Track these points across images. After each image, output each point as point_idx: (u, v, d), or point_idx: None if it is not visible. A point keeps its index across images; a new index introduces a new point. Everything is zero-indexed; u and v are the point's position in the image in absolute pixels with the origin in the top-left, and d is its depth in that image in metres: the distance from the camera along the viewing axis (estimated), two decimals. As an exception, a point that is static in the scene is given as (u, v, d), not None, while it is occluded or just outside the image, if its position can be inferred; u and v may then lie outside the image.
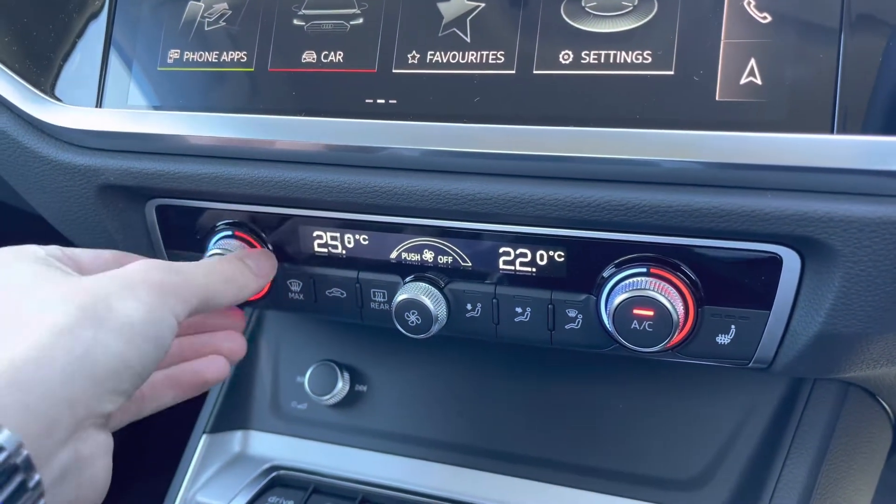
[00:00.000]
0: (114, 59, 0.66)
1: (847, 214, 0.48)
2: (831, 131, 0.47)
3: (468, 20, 0.56)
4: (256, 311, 0.89)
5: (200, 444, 0.84)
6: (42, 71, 0.67)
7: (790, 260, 0.53)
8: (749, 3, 0.50)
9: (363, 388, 0.84)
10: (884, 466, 0.86)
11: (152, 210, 0.70)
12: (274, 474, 0.83)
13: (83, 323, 0.46)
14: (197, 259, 0.70)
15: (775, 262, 0.53)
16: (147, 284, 0.50)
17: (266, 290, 0.68)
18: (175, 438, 2.08)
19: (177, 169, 0.64)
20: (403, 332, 0.62)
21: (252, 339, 0.88)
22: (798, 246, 0.52)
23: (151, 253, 0.73)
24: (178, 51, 0.64)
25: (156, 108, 0.64)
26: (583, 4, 0.53)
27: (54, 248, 0.56)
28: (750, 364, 0.58)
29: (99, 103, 0.66)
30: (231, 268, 0.59)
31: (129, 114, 0.65)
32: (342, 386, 0.83)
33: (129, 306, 0.48)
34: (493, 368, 0.81)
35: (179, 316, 0.52)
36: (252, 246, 0.67)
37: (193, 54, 0.64)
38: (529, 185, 0.55)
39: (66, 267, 0.53)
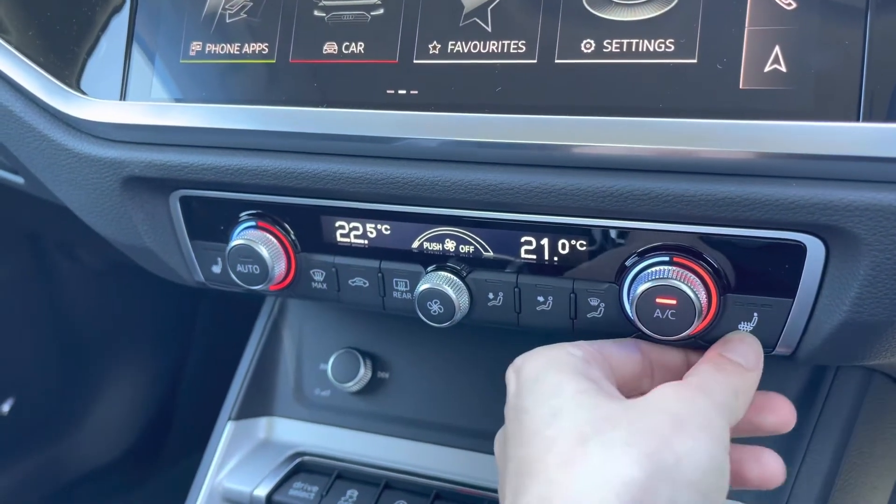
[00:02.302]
0: (136, 53, 0.67)
1: (873, 202, 0.47)
2: (857, 119, 0.47)
3: (489, 9, 0.56)
4: (279, 299, 0.91)
5: (226, 431, 0.86)
6: (66, 65, 0.68)
7: (814, 248, 0.53)
8: (774, -11, 0.50)
9: (385, 375, 0.85)
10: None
11: (176, 201, 0.71)
12: (298, 460, 0.85)
13: (657, 476, 0.41)
14: (220, 249, 0.71)
15: (799, 251, 0.53)
16: (697, 424, 0.45)
17: (290, 279, 0.69)
18: (197, 425, 2.12)
19: (200, 161, 0.65)
20: (426, 321, 0.63)
21: (275, 328, 0.90)
22: (822, 234, 0.52)
23: (175, 243, 0.73)
24: (200, 43, 0.65)
25: (179, 100, 0.65)
26: (605, -8, 0.53)
27: (588, 348, 0.52)
28: (773, 352, 0.58)
29: (123, 96, 0.67)
30: (731, 380, 0.51)
31: (152, 106, 0.66)
32: (364, 373, 0.84)
33: (693, 455, 0.43)
34: (513, 356, 0.81)
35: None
36: (275, 236, 0.67)
37: (215, 46, 0.64)
38: (552, 174, 0.55)
39: (605, 379, 0.50)
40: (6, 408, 1.86)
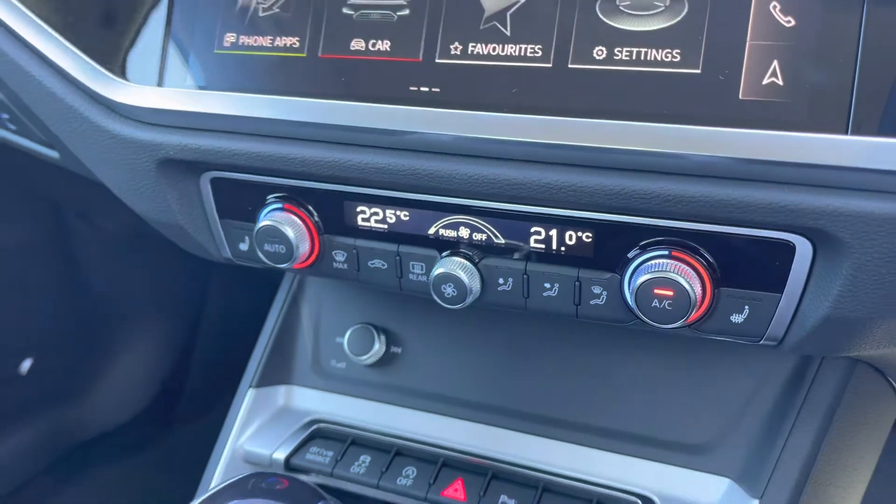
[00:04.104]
0: (173, 42, 0.71)
1: (857, 209, 0.52)
2: (846, 132, 0.51)
3: (508, 14, 0.60)
4: (298, 275, 0.95)
5: (247, 398, 0.91)
6: (107, 51, 0.72)
7: (803, 248, 0.57)
8: (775, 7, 0.53)
9: (398, 349, 0.90)
10: (890, 436, 0.91)
11: (207, 182, 0.75)
12: (315, 427, 0.90)
13: None
14: (247, 228, 0.75)
15: (789, 250, 0.57)
16: None
17: (313, 258, 0.73)
18: (209, 390, 2.17)
19: (232, 146, 0.69)
20: (440, 302, 0.67)
21: (295, 302, 0.94)
22: (811, 235, 0.56)
23: (205, 221, 0.78)
24: (234, 35, 0.68)
25: (213, 88, 0.69)
26: (617, 3, 0.57)
27: None
28: (761, 341, 0.62)
29: (160, 82, 0.71)
30: None
31: (188, 93, 0.70)
32: (379, 347, 0.89)
33: None
34: (520, 336, 0.86)
35: None
36: (301, 219, 0.72)
37: (248, 38, 0.68)
38: (562, 172, 0.59)
39: None
40: (25, 368, 1.92)
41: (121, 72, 0.72)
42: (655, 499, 0.77)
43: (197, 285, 2.13)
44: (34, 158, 1.08)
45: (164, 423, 2.13)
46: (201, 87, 0.70)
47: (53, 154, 0.94)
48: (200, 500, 0.56)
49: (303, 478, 0.75)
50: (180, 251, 0.93)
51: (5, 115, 0.94)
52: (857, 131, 0.51)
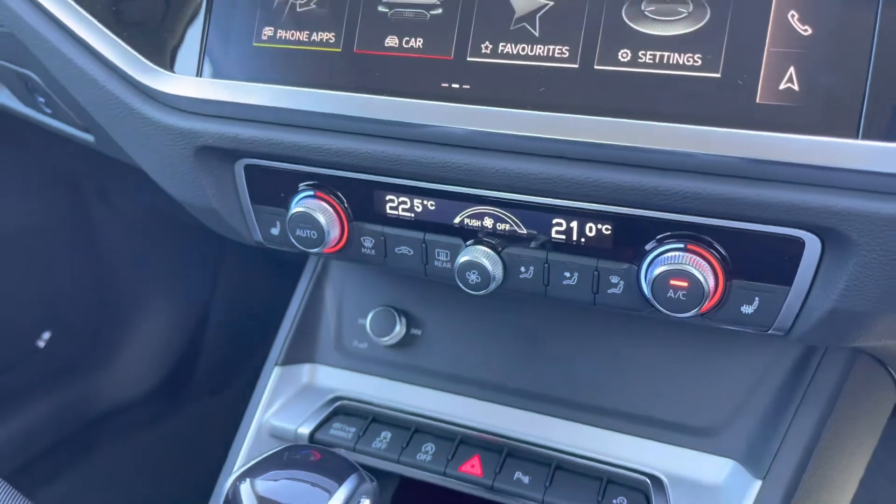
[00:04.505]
0: (213, 33, 0.73)
1: (865, 210, 0.55)
2: (857, 137, 0.54)
3: (537, 16, 0.63)
4: (323, 259, 0.99)
5: (273, 375, 0.95)
6: (148, 41, 0.75)
7: (812, 244, 0.60)
8: (793, 16, 0.56)
9: (418, 331, 0.94)
10: (888, 423, 0.95)
11: (241, 169, 0.78)
12: (337, 404, 0.93)
13: None
14: (279, 213, 0.79)
15: (798, 245, 0.60)
16: None
17: (343, 244, 0.77)
18: (221, 366, 2.21)
19: (267, 136, 0.72)
20: (464, 288, 0.71)
21: (319, 284, 0.98)
22: (820, 233, 0.59)
23: (238, 206, 0.81)
24: (272, 29, 0.71)
25: (250, 80, 0.72)
26: (642, 8, 0.60)
27: None
28: (769, 331, 0.66)
29: (199, 73, 0.74)
30: None
31: (226, 84, 0.73)
32: (399, 329, 0.92)
33: None
34: (536, 320, 0.89)
35: None
36: (331, 206, 0.75)
37: (286, 33, 0.71)
38: (587, 168, 0.62)
39: None
40: (43, 341, 1.96)
41: (162, 62, 0.75)
42: (663, 478, 0.81)
43: (211, 265, 2.17)
44: (55, 138, 1.11)
45: (179, 399, 2.18)
46: (239, 79, 0.72)
47: (88, 138, 0.97)
48: (241, 471, 0.60)
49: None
50: (196, 230, 0.96)
51: (41, 99, 0.97)
52: (868, 136, 0.54)
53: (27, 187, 1.73)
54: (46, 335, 1.96)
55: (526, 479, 0.83)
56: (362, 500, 0.57)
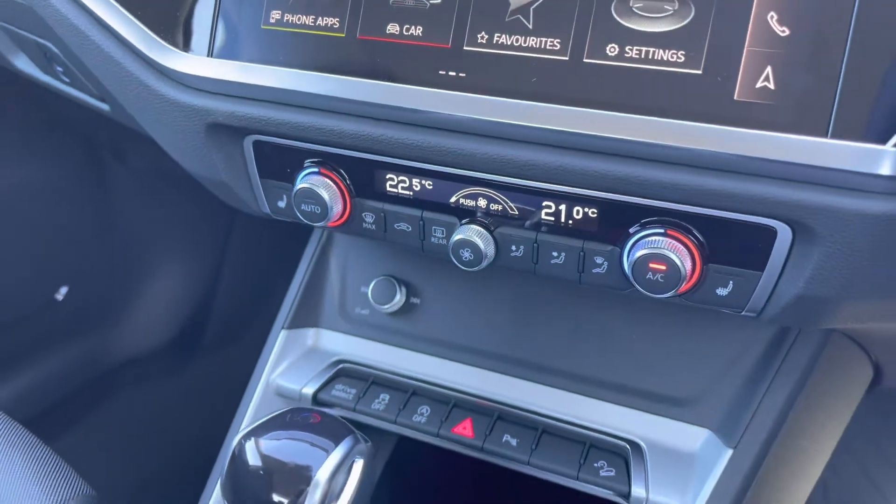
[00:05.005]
0: (223, 15, 0.76)
1: (830, 205, 0.58)
2: (826, 136, 0.57)
3: (531, 9, 0.65)
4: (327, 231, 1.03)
5: (280, 338, 1.00)
6: (162, 21, 0.78)
7: (783, 233, 0.63)
8: (772, 18, 0.59)
9: (417, 300, 0.98)
10: (864, 397, 0.99)
11: (250, 144, 0.82)
12: (340, 367, 0.98)
13: None
14: (286, 187, 0.83)
15: (771, 234, 0.64)
16: None
17: (345, 218, 0.81)
18: (230, 325, 2.27)
19: (273, 115, 0.76)
20: (457, 264, 0.75)
21: (324, 253, 1.02)
22: (790, 223, 0.63)
23: (247, 180, 0.85)
24: (280, 12, 0.74)
25: (259, 61, 0.75)
26: (630, 5, 0.62)
27: None
28: (742, 312, 0.70)
29: (210, 53, 0.78)
30: None
31: (236, 65, 0.76)
32: (399, 298, 0.96)
33: None
34: (527, 294, 0.94)
35: None
36: (335, 182, 0.79)
37: (292, 17, 0.74)
38: (573, 156, 0.65)
39: None
40: (61, 295, 2.02)
41: (176, 41, 0.78)
42: (642, 444, 0.86)
43: (222, 226, 2.21)
44: (72, 101, 1.14)
45: (188, 355, 2.25)
46: (248, 60, 0.76)
47: (104, 107, 1.01)
48: (246, 430, 0.65)
49: (331, 412, 0.85)
50: (208, 194, 1.00)
51: (60, 69, 1.01)
52: (837, 136, 0.57)
53: (44, 146, 1.77)
54: (64, 290, 2.02)
55: (514, 442, 0.88)
56: (356, 459, 0.63)
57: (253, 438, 0.62)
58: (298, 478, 0.60)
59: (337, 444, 0.62)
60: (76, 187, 1.90)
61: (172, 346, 2.21)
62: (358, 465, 0.63)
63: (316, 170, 0.79)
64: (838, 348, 0.84)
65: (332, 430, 0.64)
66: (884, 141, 0.56)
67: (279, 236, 1.85)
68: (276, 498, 0.60)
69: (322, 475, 0.60)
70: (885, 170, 0.56)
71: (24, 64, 1.11)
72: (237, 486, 0.62)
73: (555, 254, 0.73)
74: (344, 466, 0.61)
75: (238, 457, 0.62)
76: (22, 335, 1.89)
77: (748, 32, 0.59)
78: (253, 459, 0.61)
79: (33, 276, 1.91)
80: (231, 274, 2.24)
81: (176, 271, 2.17)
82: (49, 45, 0.96)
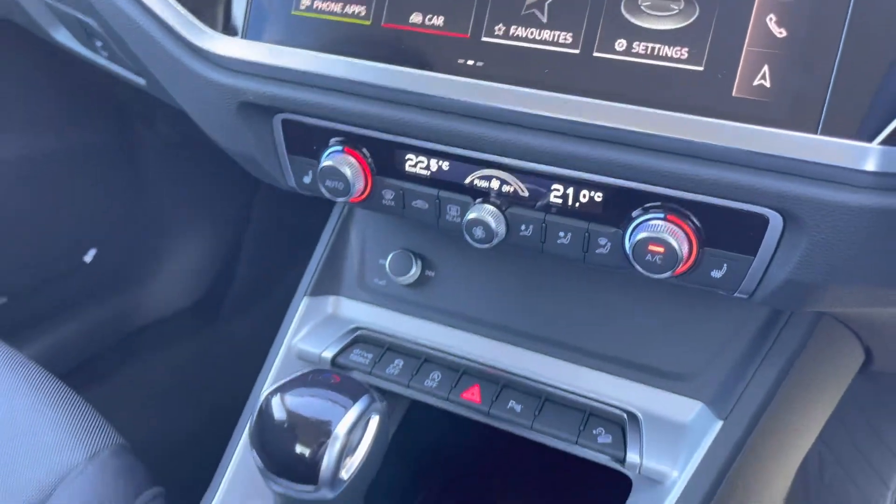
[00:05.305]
0: (256, 1, 0.81)
1: (816, 197, 0.62)
2: (816, 132, 0.61)
3: (546, 4, 0.69)
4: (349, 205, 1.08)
5: (302, 305, 1.05)
6: (200, 4, 0.83)
7: (775, 220, 0.67)
8: (771, 19, 0.62)
9: (432, 273, 1.02)
10: (860, 379, 1.04)
11: (279, 122, 0.86)
12: (357, 333, 1.03)
13: None
14: (311, 164, 0.88)
15: (763, 221, 0.68)
16: None
17: (366, 195, 0.86)
18: (251, 291, 2.33)
19: (301, 96, 0.80)
20: (470, 241, 0.80)
21: (345, 226, 1.08)
22: (781, 212, 0.67)
23: (275, 155, 0.90)
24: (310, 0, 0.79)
25: (289, 45, 0.80)
26: (639, 3, 0.66)
27: None
28: (735, 294, 0.74)
29: (244, 35, 0.82)
30: None
31: (267, 47, 0.80)
32: (415, 270, 1.00)
33: None
34: (536, 271, 0.98)
35: None
36: (357, 160, 0.84)
37: (321, 3, 0.78)
38: (581, 143, 0.69)
39: None
40: (89, 257, 2.10)
41: (212, 23, 0.83)
42: (639, 414, 0.91)
43: (245, 197, 2.27)
44: (96, 66, 1.19)
45: (210, 317, 2.32)
46: (278, 43, 0.81)
47: (140, 81, 1.07)
48: (272, 388, 0.71)
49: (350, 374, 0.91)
50: (234, 163, 1.05)
51: (99, 43, 1.06)
52: (826, 132, 0.61)
53: (80, 113, 1.83)
54: (93, 251, 2.09)
55: (518, 408, 0.93)
56: (373, 416, 0.69)
57: (279, 395, 0.69)
58: (319, 431, 0.66)
59: (355, 401, 0.68)
60: (108, 154, 1.96)
61: (196, 309, 2.28)
62: (374, 422, 0.69)
63: (340, 148, 0.84)
64: (829, 331, 0.89)
65: (350, 390, 0.70)
66: (870, 139, 0.60)
67: (299, 209, 1.91)
68: (299, 449, 0.66)
69: (341, 429, 0.66)
70: (869, 166, 0.60)
71: (63, 37, 1.16)
72: (264, 438, 0.68)
73: (561, 234, 0.77)
74: (361, 422, 0.67)
75: (265, 411, 0.69)
76: (54, 294, 1.97)
77: (748, 33, 0.63)
78: (279, 414, 0.68)
79: (65, 238, 1.98)
80: (252, 243, 2.30)
81: (199, 239, 2.23)
82: (90, 21, 1.01)
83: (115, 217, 2.06)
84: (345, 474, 0.66)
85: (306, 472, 0.66)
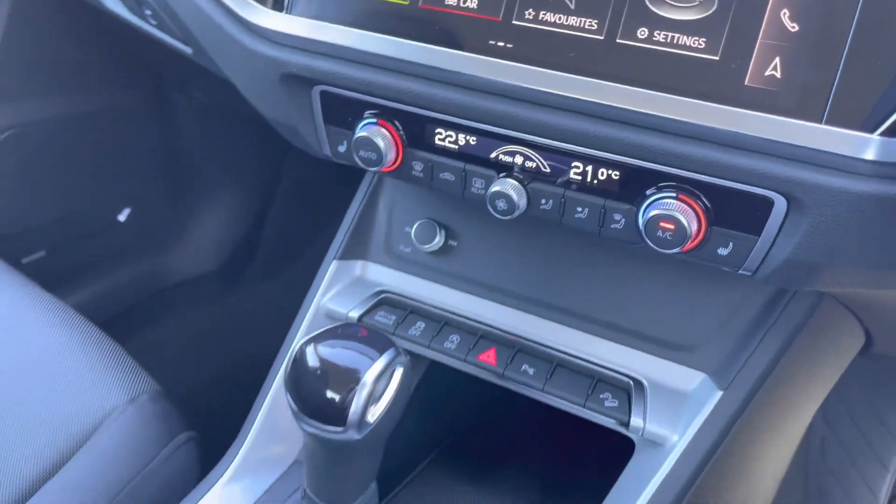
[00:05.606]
0: (302, -22, 0.86)
1: (817, 182, 0.67)
2: (821, 122, 0.66)
3: (574, -9, 0.74)
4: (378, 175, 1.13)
5: (331, 267, 1.11)
6: (247, -21, 0.88)
7: (780, 203, 0.72)
8: (784, 14, 0.67)
9: (454, 243, 1.07)
10: (862, 361, 1.09)
11: (317, 94, 0.92)
12: (383, 296, 1.08)
13: None
14: (346, 134, 0.93)
15: (768, 203, 0.72)
16: None
17: (397, 165, 0.91)
18: (276, 257, 2.40)
19: (341, 70, 0.85)
20: (493, 213, 0.85)
21: (374, 194, 1.13)
22: (786, 195, 0.72)
23: (312, 124, 0.96)
24: (352, -22, 0.84)
25: (330, 20, 0.85)
26: (662, -6, 0.71)
27: None
28: (739, 271, 0.79)
29: (288, 10, 0.88)
30: None
31: (310, 22, 0.85)
32: (439, 239, 1.05)
33: None
34: (553, 243, 1.03)
35: None
36: (390, 133, 0.89)
37: (363, -17, 0.83)
38: (603, 125, 0.74)
39: None
40: (123, 216, 2.18)
41: (258, -1, 0.88)
42: (644, 381, 0.96)
43: (274, 163, 2.33)
44: (136, 32, 1.24)
45: (235, 280, 2.40)
46: (320, 18, 0.86)
47: (187, 50, 1.12)
48: (306, 338, 0.78)
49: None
50: (262, 127, 1.10)
51: (148, 12, 1.12)
52: (830, 122, 0.65)
53: (119, 75, 1.89)
54: (126, 211, 2.17)
55: (531, 371, 0.99)
56: (397, 367, 0.75)
57: (312, 344, 0.75)
58: (348, 378, 0.72)
59: (381, 353, 0.74)
60: (144, 118, 2.03)
61: (221, 273, 2.36)
62: (398, 373, 0.75)
63: (374, 120, 0.89)
64: (830, 312, 0.94)
65: (377, 343, 0.76)
66: (872, 130, 0.64)
67: (327, 176, 1.97)
68: (329, 394, 0.73)
69: (368, 377, 0.72)
70: (869, 155, 0.64)
71: (113, 4, 1.21)
72: (298, 383, 0.75)
73: (579, 209, 0.82)
74: (386, 373, 0.73)
75: (299, 359, 0.75)
76: (90, 249, 2.05)
77: (762, 26, 0.67)
78: (312, 361, 0.74)
79: (100, 196, 2.05)
80: (280, 209, 2.37)
81: (231, 201, 2.30)
82: (141, -10, 1.07)
83: (148, 179, 2.14)
84: (371, 418, 0.73)
85: (336, 414, 0.72)
